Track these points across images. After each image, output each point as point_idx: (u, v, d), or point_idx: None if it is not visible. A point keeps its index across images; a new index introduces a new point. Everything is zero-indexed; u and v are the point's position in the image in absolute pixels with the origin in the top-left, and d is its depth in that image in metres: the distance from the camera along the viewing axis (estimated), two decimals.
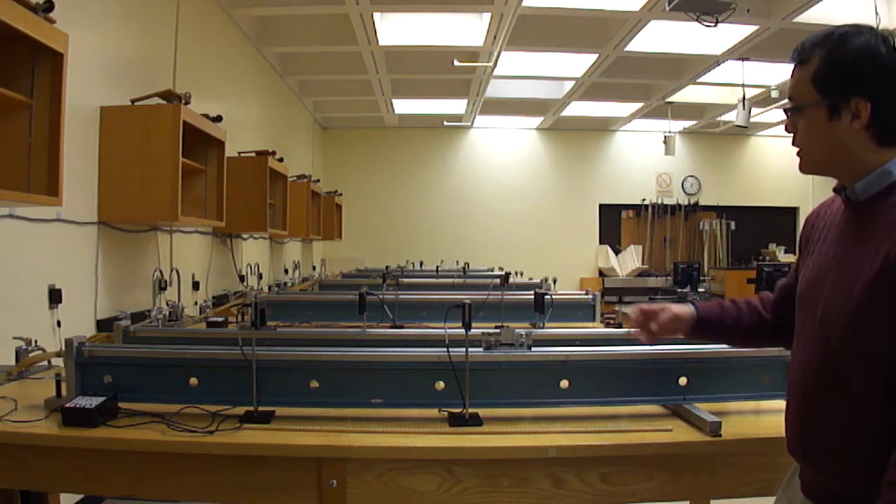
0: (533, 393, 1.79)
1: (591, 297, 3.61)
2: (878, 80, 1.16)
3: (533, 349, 1.82)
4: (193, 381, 1.79)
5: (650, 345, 1.64)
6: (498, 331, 1.83)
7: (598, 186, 10.48)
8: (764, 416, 1.85)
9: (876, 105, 1.15)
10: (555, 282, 4.47)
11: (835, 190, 1.29)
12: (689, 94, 7.96)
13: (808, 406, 1.23)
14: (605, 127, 10.25)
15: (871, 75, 1.16)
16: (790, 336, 1.34)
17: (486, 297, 3.11)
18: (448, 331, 1.79)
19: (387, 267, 6.35)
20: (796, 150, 1.26)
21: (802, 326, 1.28)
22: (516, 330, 1.84)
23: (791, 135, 1.27)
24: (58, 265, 2.97)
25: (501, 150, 10.40)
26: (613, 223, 10.59)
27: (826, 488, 1.21)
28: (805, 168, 1.27)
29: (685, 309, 1.54)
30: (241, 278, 5.36)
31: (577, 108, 8.91)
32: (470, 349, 1.73)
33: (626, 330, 1.69)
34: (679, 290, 8.36)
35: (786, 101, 1.27)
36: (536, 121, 9.92)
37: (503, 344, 1.82)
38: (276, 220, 5.62)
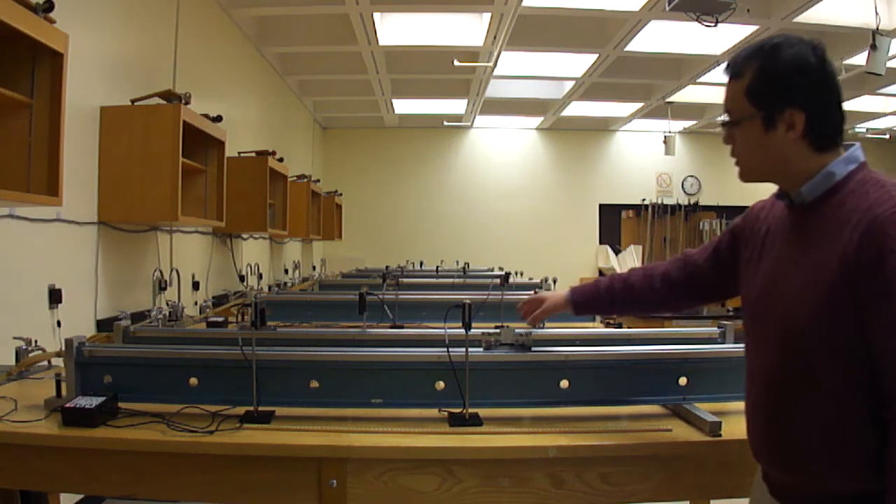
0: (533, 393, 1.79)
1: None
2: (810, 91, 1.19)
3: (533, 349, 1.82)
4: (193, 381, 1.79)
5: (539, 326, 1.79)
6: (498, 331, 1.83)
7: (598, 186, 10.48)
8: None
9: (809, 115, 1.19)
10: (555, 282, 4.47)
11: (777, 196, 1.32)
12: (689, 94, 7.95)
13: (776, 409, 1.24)
14: (605, 127, 10.25)
15: (803, 87, 1.19)
16: (677, 309, 1.55)
17: (486, 297, 3.11)
18: (448, 331, 1.79)
19: (387, 267, 6.34)
20: (734, 160, 1.29)
21: (758, 333, 1.31)
22: (516, 330, 1.84)
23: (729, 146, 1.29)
24: (58, 265, 2.96)
25: (501, 150, 10.40)
26: (613, 223, 10.59)
27: (798, 489, 1.22)
28: (744, 177, 1.30)
29: (560, 297, 1.73)
30: (241, 278, 5.36)
31: (577, 108, 8.91)
32: (470, 349, 1.73)
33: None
34: None
35: (724, 115, 1.30)
36: (536, 121, 9.92)
37: (503, 344, 1.82)
38: (276, 220, 5.62)
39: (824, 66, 1.20)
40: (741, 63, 1.23)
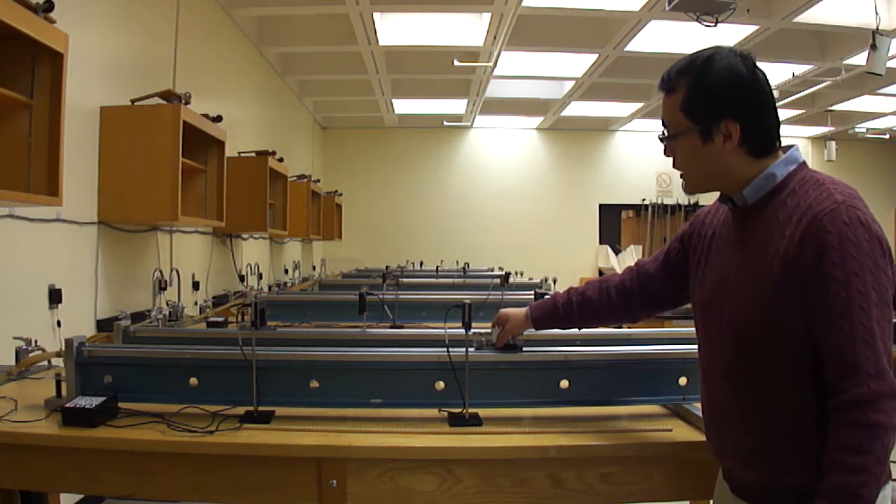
0: (533, 393, 1.79)
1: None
2: (743, 102, 1.22)
3: (530, 349, 1.82)
4: (193, 381, 1.79)
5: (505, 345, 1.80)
6: (489, 331, 1.83)
7: (598, 186, 10.48)
8: None
9: (745, 125, 1.22)
10: (555, 282, 4.47)
11: (720, 200, 1.35)
12: None
13: (732, 409, 1.28)
14: (605, 127, 10.25)
15: (736, 98, 1.22)
16: (635, 319, 1.60)
17: (486, 297, 3.11)
18: (448, 331, 1.79)
19: (387, 267, 6.34)
20: (679, 172, 1.32)
21: (709, 334, 1.34)
22: None
23: (671, 158, 1.33)
24: (58, 265, 2.97)
25: (501, 150, 10.41)
26: (613, 223, 10.60)
27: (760, 486, 1.25)
28: (689, 189, 1.33)
29: (521, 315, 1.74)
30: (241, 278, 5.36)
31: (577, 108, 8.91)
32: (470, 349, 1.73)
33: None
34: None
35: (662, 129, 1.33)
36: (536, 121, 9.92)
37: (494, 344, 1.82)
38: (276, 220, 5.62)
39: (755, 75, 1.23)
40: (674, 78, 1.27)
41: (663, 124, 1.31)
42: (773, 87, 1.26)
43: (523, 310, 1.76)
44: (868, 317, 1.09)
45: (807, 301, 1.13)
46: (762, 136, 1.24)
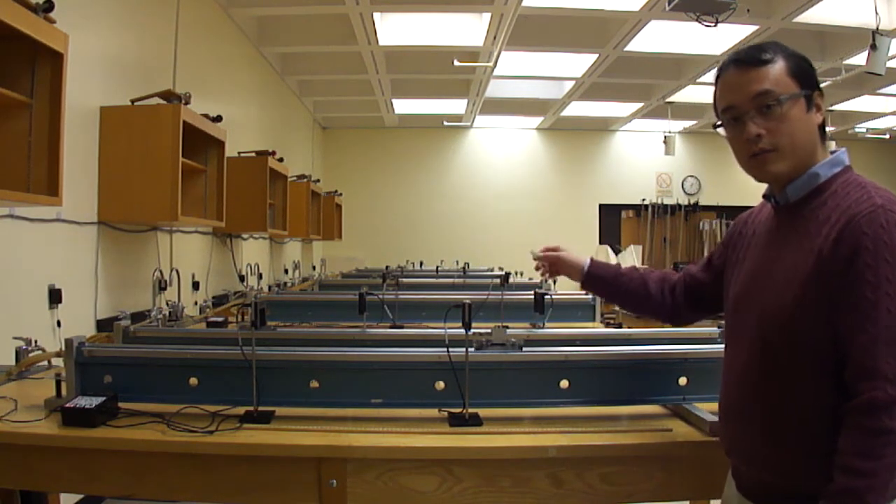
0: (533, 393, 1.79)
1: (591, 297, 3.61)
2: (818, 79, 1.27)
3: (530, 349, 1.82)
4: (193, 381, 1.79)
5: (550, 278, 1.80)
6: (489, 331, 1.83)
7: (598, 186, 10.48)
8: None
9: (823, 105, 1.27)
10: (555, 282, 4.46)
11: (764, 196, 1.35)
12: (689, 94, 7.95)
13: (748, 407, 1.26)
14: (605, 127, 10.25)
15: (815, 72, 1.27)
16: (682, 322, 1.59)
17: (486, 297, 3.11)
18: (448, 331, 1.79)
19: (387, 267, 6.34)
20: (765, 150, 1.24)
21: (736, 330, 1.33)
22: (507, 330, 1.84)
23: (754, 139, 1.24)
24: (58, 265, 2.96)
25: (501, 150, 10.40)
26: (613, 223, 10.59)
27: (766, 486, 1.24)
28: (778, 164, 1.24)
29: (578, 262, 1.71)
30: (241, 278, 5.36)
31: (577, 108, 8.91)
32: (470, 349, 1.73)
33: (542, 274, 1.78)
34: None
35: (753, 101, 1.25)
36: (536, 121, 9.92)
37: (494, 344, 1.81)
38: (276, 220, 5.62)
39: None
40: (768, 51, 1.25)
41: (759, 93, 1.23)
42: None
43: (582, 258, 1.72)
44: (894, 321, 1.08)
45: (834, 300, 1.12)
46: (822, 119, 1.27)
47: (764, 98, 1.23)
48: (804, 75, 1.25)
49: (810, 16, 5.23)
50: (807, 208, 1.23)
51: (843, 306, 1.12)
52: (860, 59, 5.27)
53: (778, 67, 1.24)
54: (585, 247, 10.40)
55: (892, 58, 4.96)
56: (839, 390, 1.13)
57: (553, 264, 1.77)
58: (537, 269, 1.81)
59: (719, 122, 1.31)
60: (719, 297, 1.48)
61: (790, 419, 1.19)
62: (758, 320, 1.24)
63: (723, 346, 1.92)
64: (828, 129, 1.31)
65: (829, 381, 1.14)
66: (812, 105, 1.24)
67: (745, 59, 1.26)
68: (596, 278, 1.70)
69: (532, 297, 3.07)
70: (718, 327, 2.23)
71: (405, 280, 4.64)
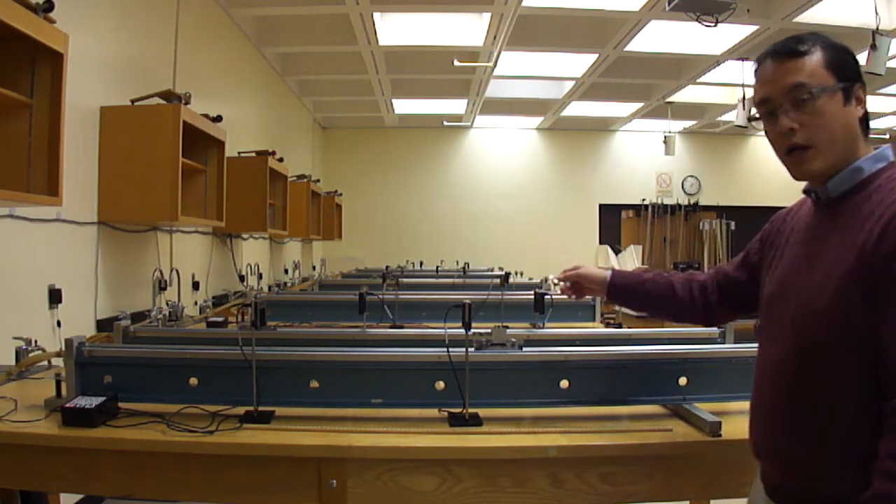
0: (533, 393, 1.79)
1: (591, 297, 3.60)
2: (860, 73, 1.22)
3: (530, 349, 1.83)
4: (193, 381, 1.79)
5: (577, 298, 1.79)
6: (489, 331, 1.83)
7: (598, 186, 10.48)
8: None
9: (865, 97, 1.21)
10: (555, 283, 4.46)
11: (805, 191, 1.31)
12: (689, 94, 7.96)
13: (779, 406, 1.22)
14: (605, 127, 10.25)
15: (857, 66, 1.22)
16: (713, 321, 1.52)
17: (486, 297, 3.11)
18: (448, 331, 1.79)
19: (387, 267, 6.34)
20: (803, 147, 1.20)
21: (771, 327, 1.29)
22: (507, 330, 1.84)
23: (788, 134, 1.21)
24: (58, 265, 2.97)
25: (501, 150, 10.41)
26: (613, 223, 10.59)
27: (795, 491, 1.20)
28: (816, 162, 1.21)
29: (600, 276, 1.69)
30: (241, 278, 5.36)
31: (577, 108, 8.91)
32: (470, 349, 1.73)
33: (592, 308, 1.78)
34: None
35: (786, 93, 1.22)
36: (536, 121, 9.92)
37: (494, 344, 1.82)
38: (276, 220, 5.62)
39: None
40: (806, 42, 1.22)
41: (793, 86, 1.20)
42: None
43: (603, 272, 1.69)
44: None
45: (872, 297, 1.08)
46: (866, 113, 1.23)
47: (798, 91, 1.19)
48: (843, 67, 1.20)
49: (810, 16, 5.23)
50: (849, 203, 1.18)
51: (881, 304, 1.07)
52: (860, 59, 5.26)
53: (815, 59, 1.20)
54: (585, 247, 10.42)
55: (892, 58, 4.96)
56: (875, 392, 1.08)
57: (576, 283, 1.74)
58: (563, 292, 1.79)
59: (756, 115, 1.28)
60: (754, 295, 1.42)
61: (825, 420, 1.14)
62: (794, 316, 1.20)
63: (723, 345, 1.92)
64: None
65: (867, 381, 1.09)
66: (851, 98, 1.20)
67: (781, 51, 1.23)
68: (620, 289, 1.67)
69: (532, 297, 3.07)
70: (719, 327, 2.23)
71: (405, 280, 4.64)
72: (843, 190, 1.20)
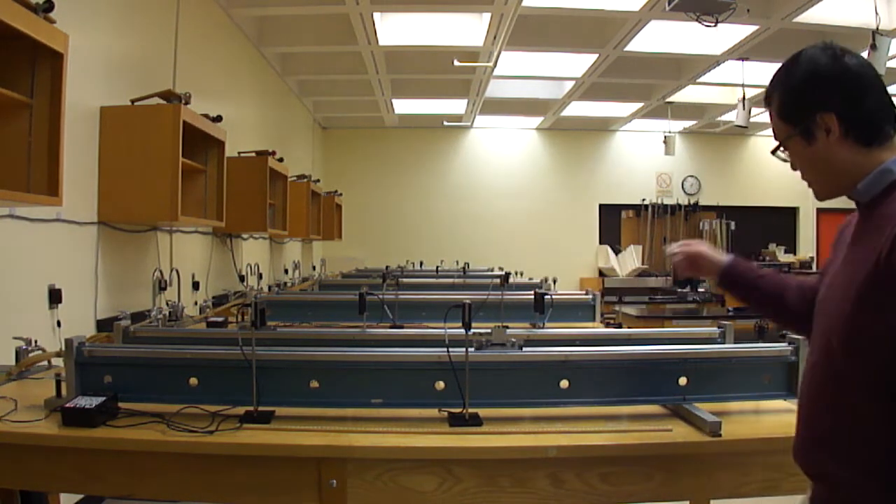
0: (533, 393, 1.79)
1: (591, 297, 3.61)
2: (829, 90, 1.18)
3: (530, 349, 1.83)
4: (193, 381, 1.79)
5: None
6: (489, 331, 1.83)
7: (598, 186, 10.48)
8: (764, 416, 1.85)
9: (840, 113, 1.17)
10: (555, 282, 4.47)
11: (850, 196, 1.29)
12: (689, 94, 7.96)
13: (810, 412, 1.21)
14: (605, 127, 10.25)
15: (821, 88, 1.19)
16: (804, 326, 1.40)
17: (486, 297, 3.11)
18: (448, 331, 1.79)
19: (387, 267, 6.34)
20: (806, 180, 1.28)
21: (814, 332, 1.27)
22: (507, 330, 1.84)
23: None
24: (58, 265, 2.97)
25: (501, 150, 10.41)
26: (613, 223, 10.59)
27: (825, 500, 1.18)
28: (819, 195, 1.28)
29: (718, 260, 1.60)
30: (241, 278, 5.36)
31: (577, 108, 8.91)
32: (470, 349, 1.73)
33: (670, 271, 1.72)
34: (679, 290, 8.37)
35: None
36: (536, 121, 9.92)
37: (494, 344, 1.82)
38: (276, 220, 5.62)
39: (839, 61, 1.18)
40: (769, 91, 1.26)
41: (775, 139, 1.29)
42: (836, 79, 1.20)
43: (721, 255, 1.63)
44: None
45: (888, 307, 1.05)
46: (865, 122, 1.17)
47: (778, 142, 1.28)
48: (790, 112, 1.23)
49: (810, 16, 5.23)
50: (882, 205, 1.15)
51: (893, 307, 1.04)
52: None
53: (774, 110, 1.26)
54: (585, 247, 10.43)
55: (892, 58, 4.96)
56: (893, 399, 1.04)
57: (693, 261, 1.64)
58: (675, 266, 1.70)
59: None
60: None
61: (849, 433, 1.11)
62: (822, 325, 1.20)
63: (723, 345, 1.91)
64: None
65: (884, 393, 1.05)
66: (813, 134, 1.19)
67: (763, 103, 1.30)
68: (735, 277, 1.60)
69: (532, 297, 3.07)
70: (719, 327, 2.23)
71: (405, 280, 4.64)
72: (874, 193, 1.18)
